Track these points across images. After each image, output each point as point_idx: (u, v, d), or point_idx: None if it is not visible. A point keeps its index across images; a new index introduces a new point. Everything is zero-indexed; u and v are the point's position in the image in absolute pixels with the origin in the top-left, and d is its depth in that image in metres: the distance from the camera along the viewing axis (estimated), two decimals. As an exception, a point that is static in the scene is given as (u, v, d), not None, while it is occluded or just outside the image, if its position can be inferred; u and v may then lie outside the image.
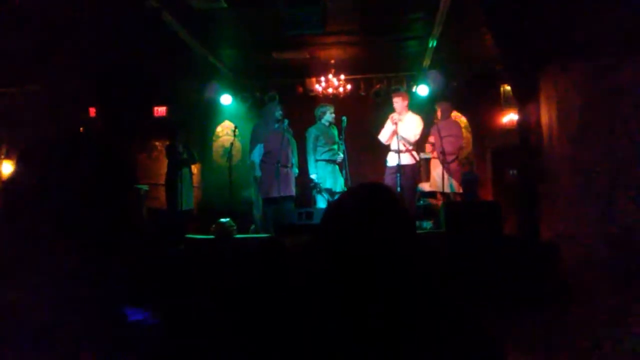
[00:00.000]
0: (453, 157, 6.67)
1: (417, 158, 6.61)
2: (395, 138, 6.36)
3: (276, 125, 6.63)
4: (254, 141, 6.88)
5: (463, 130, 7.95)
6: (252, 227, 6.98)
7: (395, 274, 1.13)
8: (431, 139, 7.02)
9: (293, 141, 6.81)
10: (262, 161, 6.65)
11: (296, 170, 6.86)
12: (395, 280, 1.12)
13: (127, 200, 1.04)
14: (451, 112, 7.31)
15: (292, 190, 6.62)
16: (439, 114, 6.94)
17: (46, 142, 1.02)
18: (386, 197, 1.23)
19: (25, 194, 0.97)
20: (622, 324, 3.46)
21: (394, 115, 6.46)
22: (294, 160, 6.80)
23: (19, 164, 1.02)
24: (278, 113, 6.65)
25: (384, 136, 6.61)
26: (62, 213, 0.95)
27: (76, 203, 0.96)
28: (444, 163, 6.52)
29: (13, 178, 1.01)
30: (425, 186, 7.23)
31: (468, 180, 7.20)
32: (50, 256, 0.94)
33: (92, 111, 7.56)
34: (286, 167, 6.53)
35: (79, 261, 0.95)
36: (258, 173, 6.72)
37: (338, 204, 1.28)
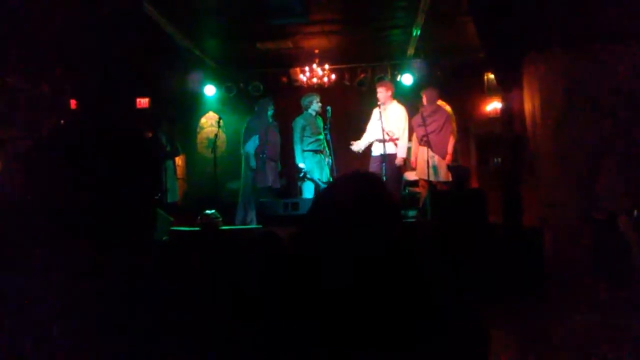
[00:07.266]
0: (441, 145, 6.61)
1: None
2: (379, 127, 6.35)
3: (270, 121, 6.81)
4: (248, 133, 6.92)
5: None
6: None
7: (383, 260, 1.13)
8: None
9: (278, 136, 6.89)
10: (255, 153, 6.75)
11: (279, 166, 6.96)
12: (383, 267, 1.12)
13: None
14: (437, 99, 7.20)
15: (278, 184, 6.81)
16: (424, 100, 6.84)
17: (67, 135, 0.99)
18: (372, 186, 1.25)
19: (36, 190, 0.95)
20: (602, 310, 3.52)
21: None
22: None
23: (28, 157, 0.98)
24: (270, 112, 6.82)
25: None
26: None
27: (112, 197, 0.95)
28: (430, 150, 6.48)
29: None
30: (409, 175, 7.20)
31: (458, 173, 7.08)
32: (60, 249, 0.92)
33: (73, 103, 7.44)
34: (274, 161, 6.71)
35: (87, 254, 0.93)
36: (253, 163, 6.77)
37: (326, 193, 1.29)
